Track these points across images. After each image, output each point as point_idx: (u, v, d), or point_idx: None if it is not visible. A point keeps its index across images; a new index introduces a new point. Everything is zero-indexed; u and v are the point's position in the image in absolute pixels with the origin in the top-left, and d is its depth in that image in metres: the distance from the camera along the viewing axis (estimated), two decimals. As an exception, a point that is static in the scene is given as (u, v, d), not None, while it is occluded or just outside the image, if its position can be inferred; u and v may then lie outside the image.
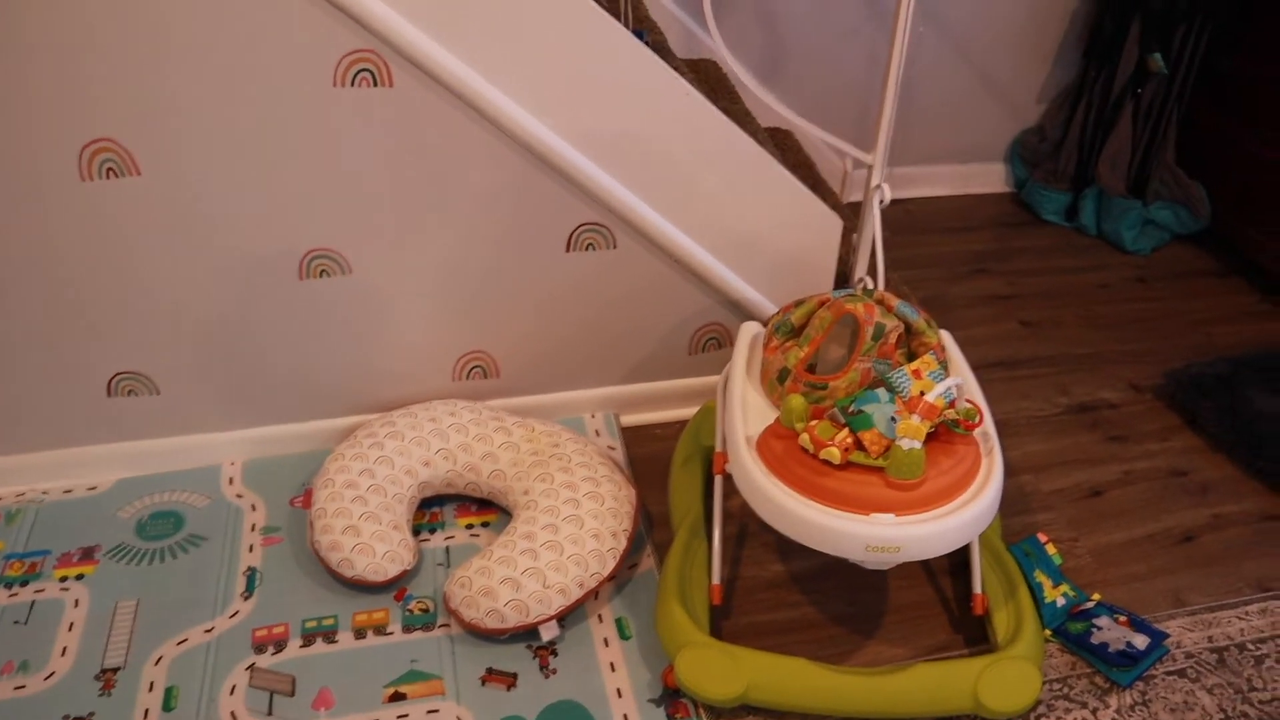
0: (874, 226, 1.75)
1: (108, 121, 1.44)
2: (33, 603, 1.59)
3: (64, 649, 1.52)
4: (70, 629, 1.55)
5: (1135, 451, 1.95)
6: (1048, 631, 1.56)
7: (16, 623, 1.56)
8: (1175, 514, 1.81)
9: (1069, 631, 1.55)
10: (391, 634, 1.54)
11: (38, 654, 1.51)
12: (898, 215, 2.71)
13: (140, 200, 1.52)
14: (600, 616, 1.58)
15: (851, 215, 2.00)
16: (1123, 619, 1.57)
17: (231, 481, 1.81)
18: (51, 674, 1.49)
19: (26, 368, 1.67)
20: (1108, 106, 2.55)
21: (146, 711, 1.43)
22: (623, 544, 1.58)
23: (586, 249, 1.73)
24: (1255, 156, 2.40)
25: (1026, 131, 2.81)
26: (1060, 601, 1.59)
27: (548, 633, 1.51)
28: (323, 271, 1.65)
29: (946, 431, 1.37)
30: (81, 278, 1.59)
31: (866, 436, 1.31)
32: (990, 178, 2.88)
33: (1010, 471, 1.84)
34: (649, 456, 1.89)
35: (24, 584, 1.62)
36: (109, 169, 1.48)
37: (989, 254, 2.59)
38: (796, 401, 1.37)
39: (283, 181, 1.55)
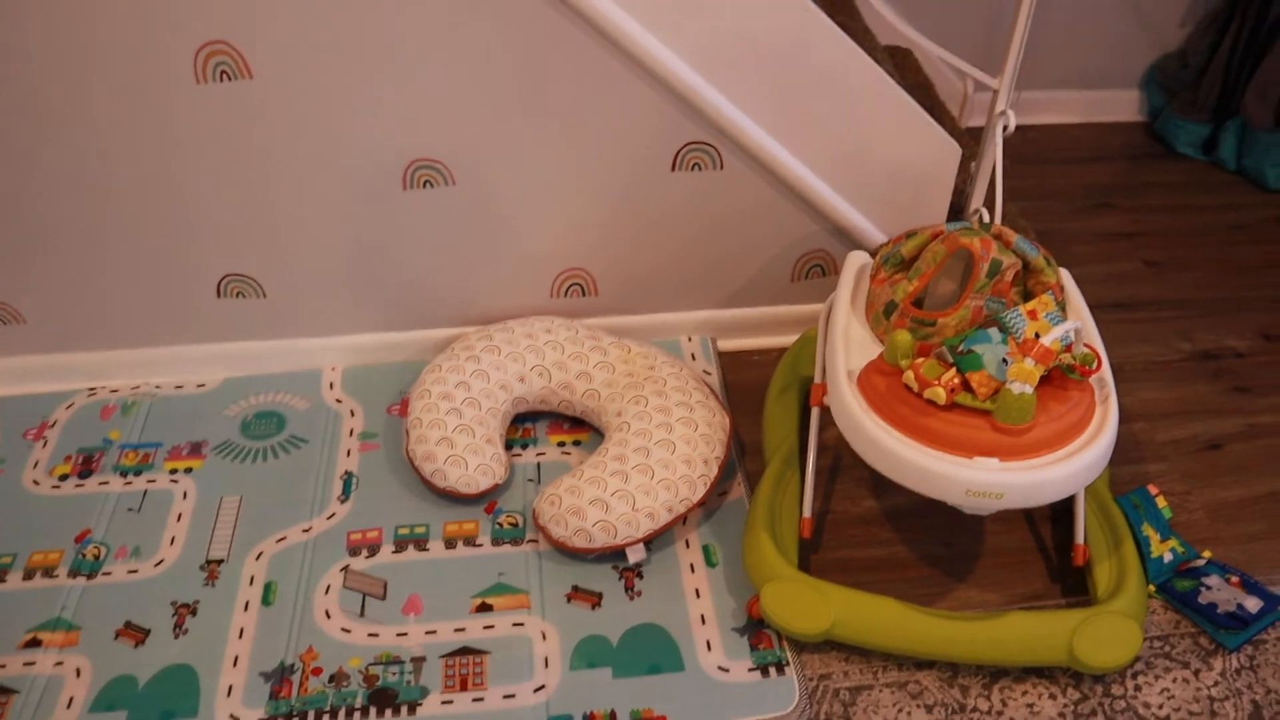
0: (995, 155, 1.66)
1: (222, 23, 1.44)
2: (145, 492, 1.66)
3: (172, 538, 1.59)
4: (179, 520, 1.61)
5: (1261, 404, 1.84)
6: (1152, 587, 1.50)
7: (130, 510, 1.63)
8: (1300, 473, 1.72)
9: (1175, 589, 1.49)
10: (481, 546, 1.57)
11: (149, 541, 1.58)
12: (1018, 143, 2.57)
13: (252, 103, 1.53)
14: (688, 542, 1.57)
15: (971, 141, 1.90)
16: (1234, 579, 1.50)
17: (332, 386, 1.84)
18: (161, 561, 1.55)
19: (143, 266, 1.72)
20: (1261, 31, 2.36)
21: (247, 604, 1.49)
22: (714, 471, 1.57)
23: (692, 169, 1.68)
24: None
25: (1166, 57, 2.62)
26: (1168, 557, 1.53)
27: (634, 555, 1.51)
28: (426, 182, 1.65)
29: (1060, 376, 1.31)
30: (195, 180, 1.61)
31: (975, 378, 1.26)
32: (1122, 106, 2.71)
33: (1123, 419, 1.76)
34: (745, 383, 1.86)
35: (137, 473, 1.69)
36: (223, 71, 1.49)
37: (1115, 188, 2.45)
38: (902, 337, 1.32)
39: (390, 89, 1.54)
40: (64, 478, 1.69)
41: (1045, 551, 1.57)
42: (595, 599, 1.49)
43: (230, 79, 1.49)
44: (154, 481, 1.68)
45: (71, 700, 1.38)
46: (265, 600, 1.50)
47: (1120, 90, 2.69)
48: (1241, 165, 2.49)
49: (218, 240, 1.69)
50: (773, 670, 1.40)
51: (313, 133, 1.57)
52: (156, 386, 1.85)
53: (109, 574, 1.54)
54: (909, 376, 1.28)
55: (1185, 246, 2.25)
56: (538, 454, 1.72)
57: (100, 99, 1.50)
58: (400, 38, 1.48)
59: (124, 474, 1.69)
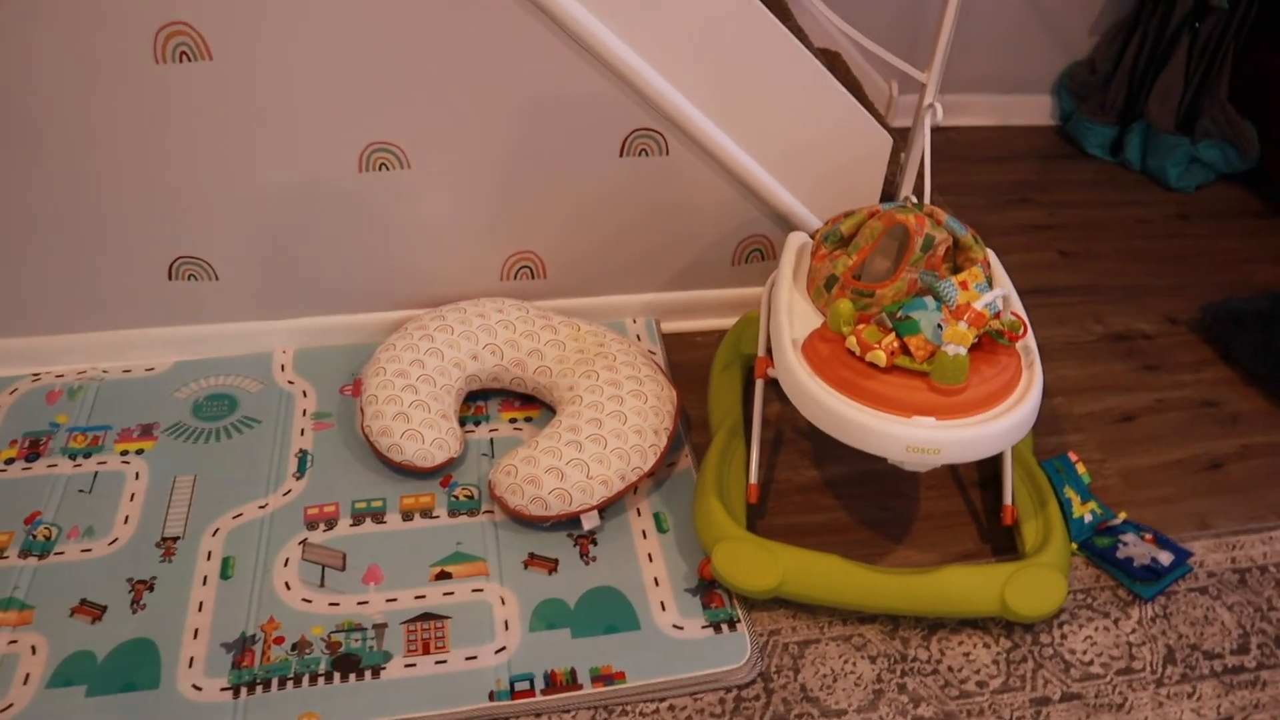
0: (924, 144, 1.76)
1: (183, 4, 1.46)
2: (96, 473, 1.66)
3: (126, 517, 1.59)
4: (132, 499, 1.62)
5: (1168, 381, 1.98)
6: (1074, 545, 1.60)
7: (81, 491, 1.63)
8: (1205, 442, 1.84)
9: (1095, 545, 1.59)
10: (437, 517, 1.60)
11: (102, 521, 1.58)
12: (939, 142, 2.71)
13: (210, 85, 1.55)
14: (639, 511, 1.63)
15: (898, 139, 2.00)
16: (1148, 536, 1.61)
17: (283, 368, 1.86)
18: (115, 540, 1.56)
19: (92, 249, 1.72)
20: (1163, 40, 2.53)
21: (205, 578, 1.50)
22: (663, 441, 1.63)
23: (639, 154, 1.75)
24: (1308, 96, 2.39)
25: (1076, 64, 2.78)
26: (1088, 518, 1.63)
27: (589, 522, 1.56)
28: (382, 165, 1.68)
29: (990, 341, 1.40)
30: (150, 161, 1.62)
31: (913, 342, 1.34)
32: (1035, 109, 2.87)
33: (1043, 393, 1.87)
34: (688, 363, 1.93)
35: (87, 455, 1.68)
36: (182, 52, 1.51)
37: (1030, 184, 2.59)
38: (845, 306, 1.40)
39: (347, 73, 1.57)
40: (10, 461, 1.67)
41: (976, 514, 1.67)
42: (552, 565, 1.54)
43: (190, 60, 1.51)
44: (104, 463, 1.67)
45: (28, 677, 1.37)
46: (224, 574, 1.51)
47: (1033, 95, 2.84)
48: (1146, 165, 2.65)
49: (171, 222, 1.70)
50: (725, 627, 1.46)
51: (270, 114, 1.59)
52: (104, 371, 1.84)
53: (61, 554, 1.53)
54: (851, 341, 1.36)
55: (1096, 238, 2.39)
56: (490, 430, 1.76)
57: (56, 78, 1.51)
58: (358, 22, 1.52)
59: (73, 456, 1.68)
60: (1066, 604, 1.53)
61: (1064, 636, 1.49)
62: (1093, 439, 1.82)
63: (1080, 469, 1.70)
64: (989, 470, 1.73)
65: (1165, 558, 1.56)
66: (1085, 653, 1.47)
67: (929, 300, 1.39)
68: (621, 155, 1.75)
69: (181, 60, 1.51)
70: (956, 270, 1.55)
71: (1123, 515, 1.66)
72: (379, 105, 1.62)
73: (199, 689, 1.37)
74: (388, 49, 1.56)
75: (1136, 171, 2.67)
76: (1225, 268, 2.31)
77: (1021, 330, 1.41)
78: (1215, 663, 1.47)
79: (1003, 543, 1.62)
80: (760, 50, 1.65)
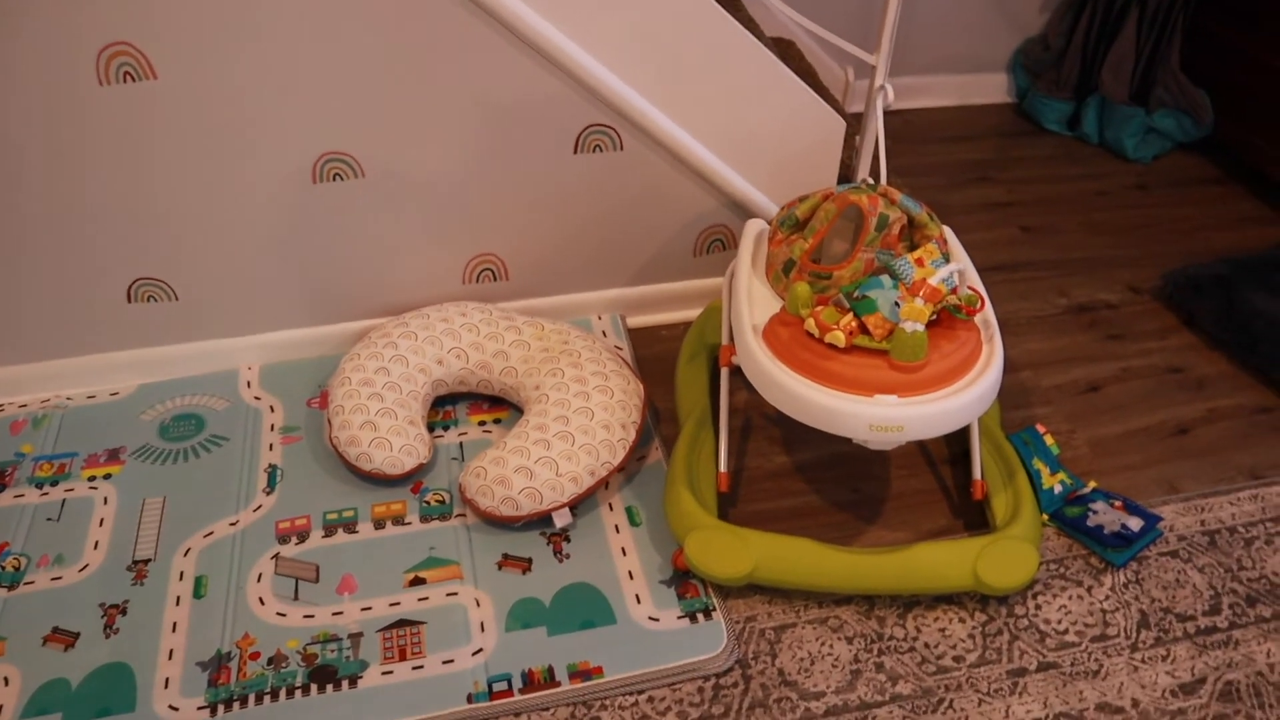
0: (877, 127, 1.77)
1: (124, 25, 1.46)
2: (63, 501, 1.64)
3: (96, 543, 1.58)
4: (101, 524, 1.61)
5: (1132, 349, 1.99)
6: (1045, 516, 1.61)
7: (49, 519, 1.61)
8: (1171, 408, 1.86)
9: (1065, 515, 1.60)
10: (410, 524, 1.60)
11: (71, 548, 1.57)
12: (897, 125, 2.72)
13: (157, 104, 1.54)
14: (610, 505, 1.63)
15: (854, 124, 2.01)
16: (1118, 504, 1.62)
17: (249, 385, 1.85)
18: (85, 566, 1.54)
19: (49, 275, 1.70)
20: (1112, 13, 2.54)
21: (179, 599, 1.49)
22: (632, 435, 1.63)
23: (594, 151, 1.75)
24: (1260, 62, 2.40)
25: (1029, 41, 2.80)
26: (1057, 489, 1.64)
27: (561, 519, 1.56)
28: (336, 175, 1.68)
29: (948, 317, 1.41)
30: (101, 184, 1.61)
31: (870, 320, 1.35)
32: (991, 88, 2.88)
33: (1010, 368, 1.88)
34: (655, 357, 1.93)
35: (54, 484, 1.67)
36: (126, 73, 1.50)
37: (989, 162, 2.60)
38: (802, 289, 1.40)
39: (296, 84, 1.57)
40: (-24, 493, 1.66)
41: (947, 491, 1.67)
42: (525, 564, 1.54)
43: (134, 80, 1.50)
44: (72, 490, 1.66)
45: (1, 709, 1.36)
46: (197, 594, 1.50)
47: (989, 74, 2.86)
48: (1103, 138, 2.67)
49: (127, 244, 1.69)
50: (700, 616, 1.46)
51: (221, 130, 1.59)
52: (67, 398, 1.83)
53: (31, 583, 1.52)
54: (810, 324, 1.37)
55: (1056, 213, 2.41)
56: (459, 434, 1.76)
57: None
58: (303, 33, 1.52)
59: (39, 485, 1.67)
60: (1039, 574, 1.54)
61: (1038, 607, 1.49)
62: (1061, 410, 1.84)
63: (1048, 440, 1.71)
64: (958, 446, 1.74)
65: (1135, 523, 1.57)
66: (1060, 622, 1.48)
67: (885, 279, 1.40)
68: (576, 152, 1.75)
69: (126, 80, 1.50)
70: (914, 249, 1.56)
71: (1092, 484, 1.67)
72: (329, 115, 1.61)
73: (175, 709, 1.36)
74: (334, 58, 1.55)
75: (1094, 144, 2.69)
76: (1185, 235, 2.33)
77: (979, 304, 1.42)
78: (1188, 624, 1.48)
79: (974, 518, 1.63)
80: (708, 41, 1.65)
